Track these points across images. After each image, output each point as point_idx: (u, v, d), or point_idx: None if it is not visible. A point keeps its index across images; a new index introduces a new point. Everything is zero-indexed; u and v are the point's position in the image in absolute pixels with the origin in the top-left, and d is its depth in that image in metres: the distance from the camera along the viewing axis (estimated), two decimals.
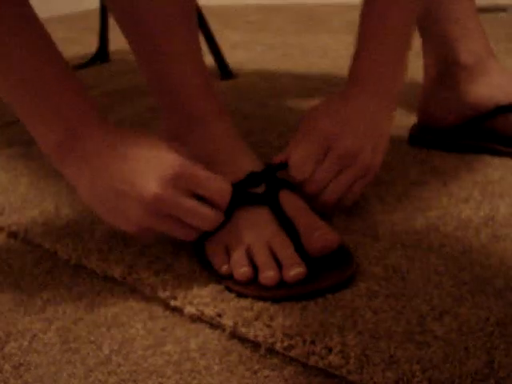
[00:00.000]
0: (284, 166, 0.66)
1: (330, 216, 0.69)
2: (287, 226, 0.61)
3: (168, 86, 0.68)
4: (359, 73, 0.67)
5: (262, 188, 0.64)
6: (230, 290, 0.58)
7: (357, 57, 0.68)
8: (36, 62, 0.56)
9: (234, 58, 1.52)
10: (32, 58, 0.55)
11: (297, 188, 0.66)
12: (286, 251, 0.58)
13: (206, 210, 0.57)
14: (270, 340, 0.51)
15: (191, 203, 0.56)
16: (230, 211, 0.61)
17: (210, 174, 0.57)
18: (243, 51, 1.68)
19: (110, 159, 0.56)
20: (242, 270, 0.58)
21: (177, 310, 0.58)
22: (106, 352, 0.54)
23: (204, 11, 1.36)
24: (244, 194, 0.62)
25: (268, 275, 0.56)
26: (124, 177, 0.55)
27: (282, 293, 0.56)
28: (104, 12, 1.57)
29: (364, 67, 0.67)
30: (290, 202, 0.63)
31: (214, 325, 0.56)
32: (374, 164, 0.66)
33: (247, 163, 0.66)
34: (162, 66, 0.67)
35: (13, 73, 0.55)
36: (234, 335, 0.54)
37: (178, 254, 0.65)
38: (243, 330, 0.53)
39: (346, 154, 0.63)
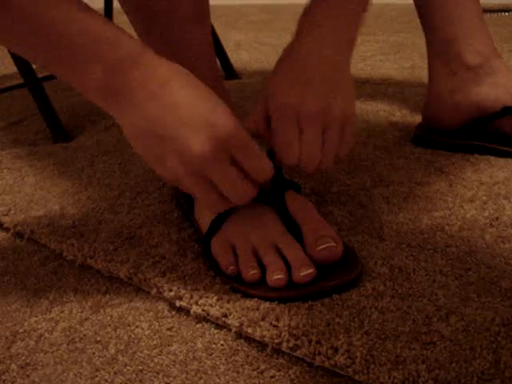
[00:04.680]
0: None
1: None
2: (292, 227, 0.61)
3: None
4: (313, 20, 0.62)
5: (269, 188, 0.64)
6: (236, 290, 0.58)
7: (310, 5, 0.63)
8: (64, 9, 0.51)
9: (238, 58, 1.52)
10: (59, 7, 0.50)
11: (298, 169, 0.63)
12: (295, 252, 0.58)
13: (245, 184, 0.54)
14: (276, 340, 0.51)
15: (234, 173, 0.53)
16: None
17: (258, 148, 0.54)
18: (247, 51, 1.68)
19: (157, 103, 0.51)
20: (251, 273, 0.58)
21: (183, 310, 0.59)
22: (112, 352, 0.54)
23: None
24: None
25: (277, 277, 0.56)
26: (169, 124, 0.51)
27: (288, 293, 0.56)
28: (109, 12, 1.57)
29: (318, 14, 0.62)
30: (296, 203, 0.63)
31: (219, 325, 0.56)
32: (348, 111, 0.62)
33: None
34: None
35: (45, 25, 0.50)
36: (240, 335, 0.54)
37: (184, 254, 0.65)
38: (249, 330, 0.53)
39: (316, 114, 0.59)
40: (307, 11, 0.63)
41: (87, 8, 0.52)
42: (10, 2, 0.49)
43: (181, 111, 0.51)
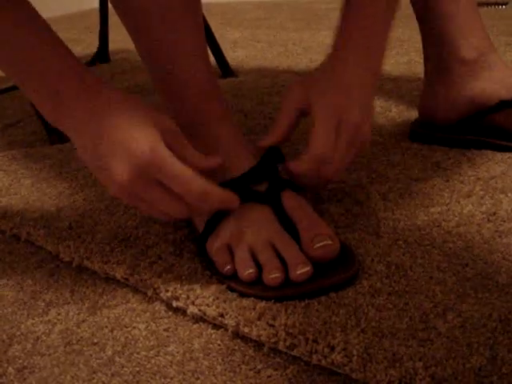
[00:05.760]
0: (277, 151, 0.66)
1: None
2: (288, 226, 0.60)
3: (172, 86, 0.67)
4: (347, 43, 0.65)
5: (265, 187, 0.63)
6: (232, 289, 0.58)
7: (343, 28, 0.65)
8: (20, 33, 0.55)
9: (235, 55, 1.52)
10: (15, 29, 0.55)
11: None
12: (291, 250, 0.58)
13: (175, 202, 0.56)
14: (273, 339, 0.51)
15: (159, 193, 0.55)
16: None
17: (185, 171, 0.54)
18: (243, 49, 1.67)
19: (89, 132, 0.55)
20: (247, 272, 0.57)
21: (179, 311, 0.58)
22: (109, 353, 0.54)
23: (203, 9, 1.36)
24: (246, 191, 0.62)
25: (273, 275, 0.56)
26: (100, 154, 0.55)
27: (285, 292, 0.56)
28: (104, 12, 1.57)
29: (352, 37, 0.64)
30: (292, 202, 0.62)
31: (216, 325, 0.56)
32: (368, 137, 0.65)
33: (249, 164, 0.65)
34: (166, 66, 0.67)
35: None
36: (237, 335, 0.54)
37: (180, 254, 0.65)
38: (246, 329, 0.53)
39: (355, 127, 0.62)
40: (341, 31, 0.65)
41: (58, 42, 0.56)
42: None
43: (108, 139, 0.54)
